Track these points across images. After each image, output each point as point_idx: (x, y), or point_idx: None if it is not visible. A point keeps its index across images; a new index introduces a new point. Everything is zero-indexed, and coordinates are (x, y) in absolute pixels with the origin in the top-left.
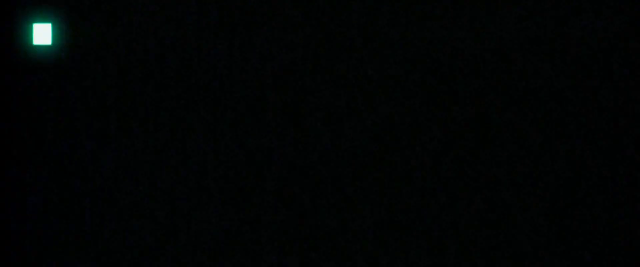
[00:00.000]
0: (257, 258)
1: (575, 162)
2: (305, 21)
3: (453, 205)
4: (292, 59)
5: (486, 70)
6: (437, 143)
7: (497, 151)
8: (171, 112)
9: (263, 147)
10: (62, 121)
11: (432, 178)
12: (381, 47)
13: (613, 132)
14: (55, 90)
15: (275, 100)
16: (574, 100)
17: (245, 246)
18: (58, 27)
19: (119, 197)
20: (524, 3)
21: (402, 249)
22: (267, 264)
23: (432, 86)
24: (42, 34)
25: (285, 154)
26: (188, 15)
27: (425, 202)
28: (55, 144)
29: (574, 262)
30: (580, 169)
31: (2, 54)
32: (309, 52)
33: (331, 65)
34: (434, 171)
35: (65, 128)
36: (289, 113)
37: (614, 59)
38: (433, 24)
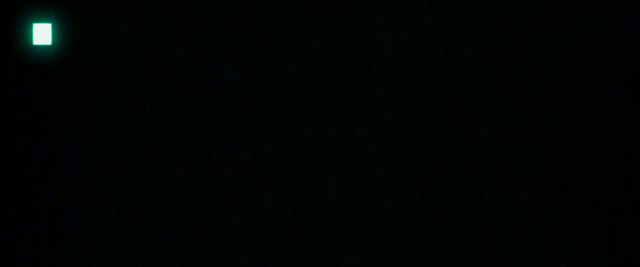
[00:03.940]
0: (257, 258)
1: (579, 163)
2: (306, 19)
3: (454, 206)
4: (294, 59)
5: (492, 72)
6: (438, 143)
7: (501, 152)
8: (171, 111)
9: (263, 147)
10: (62, 121)
11: (434, 179)
12: (383, 46)
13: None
14: (55, 90)
15: (276, 101)
16: (576, 101)
17: (245, 246)
18: (58, 27)
19: (120, 196)
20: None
21: (404, 250)
22: (268, 264)
23: (435, 86)
24: (42, 34)
25: (285, 154)
26: (188, 15)
27: (426, 203)
28: (55, 143)
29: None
30: (584, 170)
31: (2, 54)
32: (310, 50)
33: (332, 65)
34: (436, 172)
35: (65, 128)
36: (289, 113)
37: (613, 59)
38: (435, 24)
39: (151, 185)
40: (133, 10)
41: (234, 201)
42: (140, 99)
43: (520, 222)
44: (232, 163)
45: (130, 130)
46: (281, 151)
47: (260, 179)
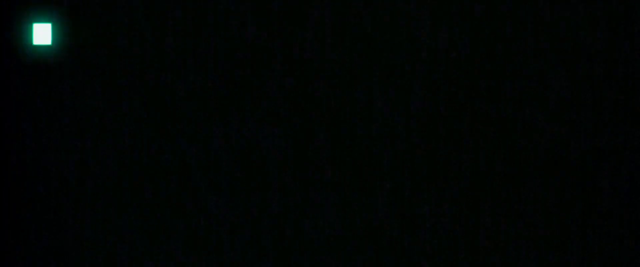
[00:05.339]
0: (257, 259)
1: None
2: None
3: (457, 206)
4: (294, 59)
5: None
6: (438, 144)
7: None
8: (171, 112)
9: (265, 148)
10: (62, 121)
11: (434, 179)
12: (385, 46)
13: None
14: (55, 90)
15: (277, 101)
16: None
17: (245, 246)
18: (58, 27)
19: (119, 197)
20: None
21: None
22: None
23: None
24: (42, 34)
25: (286, 154)
26: (188, 15)
27: (428, 203)
28: (55, 144)
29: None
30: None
31: (2, 54)
32: (311, 50)
33: (334, 64)
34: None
35: (65, 128)
36: (290, 113)
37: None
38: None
39: (151, 185)
40: (133, 11)
41: (235, 202)
42: (140, 99)
43: (526, 225)
44: (234, 162)
45: (131, 131)
46: (283, 151)
47: (262, 180)
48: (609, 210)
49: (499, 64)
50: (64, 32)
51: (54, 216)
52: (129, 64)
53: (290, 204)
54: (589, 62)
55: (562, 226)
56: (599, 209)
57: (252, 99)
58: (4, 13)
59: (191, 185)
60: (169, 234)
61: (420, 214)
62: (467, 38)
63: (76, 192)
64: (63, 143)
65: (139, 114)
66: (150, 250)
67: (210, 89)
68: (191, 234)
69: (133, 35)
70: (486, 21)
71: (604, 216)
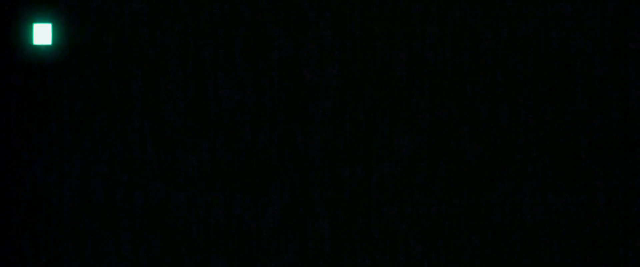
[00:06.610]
0: (257, 259)
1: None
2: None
3: (453, 206)
4: (294, 58)
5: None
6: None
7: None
8: (172, 112)
9: (265, 148)
10: (62, 121)
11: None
12: (382, 46)
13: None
14: (55, 90)
15: (278, 101)
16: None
17: (245, 246)
18: (58, 27)
19: (119, 198)
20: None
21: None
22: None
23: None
24: (42, 34)
25: (286, 154)
26: (189, 15)
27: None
28: (54, 144)
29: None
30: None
31: (2, 54)
32: (310, 50)
33: (332, 64)
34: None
35: (65, 128)
36: (290, 113)
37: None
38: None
39: (152, 185)
40: (133, 10)
41: (239, 202)
42: (140, 99)
43: (530, 224)
44: (237, 163)
45: (131, 131)
46: (287, 152)
47: (266, 180)
48: (607, 213)
49: (495, 65)
50: (64, 32)
51: (54, 216)
52: (129, 64)
53: (289, 207)
54: (583, 62)
55: (561, 226)
56: (595, 211)
57: (253, 100)
58: (4, 13)
59: (191, 186)
60: (169, 234)
61: (420, 216)
62: (463, 39)
63: (76, 191)
64: (63, 143)
65: (139, 114)
66: (150, 250)
67: (211, 89)
68: (191, 235)
69: (133, 36)
70: (484, 22)
71: (602, 218)
